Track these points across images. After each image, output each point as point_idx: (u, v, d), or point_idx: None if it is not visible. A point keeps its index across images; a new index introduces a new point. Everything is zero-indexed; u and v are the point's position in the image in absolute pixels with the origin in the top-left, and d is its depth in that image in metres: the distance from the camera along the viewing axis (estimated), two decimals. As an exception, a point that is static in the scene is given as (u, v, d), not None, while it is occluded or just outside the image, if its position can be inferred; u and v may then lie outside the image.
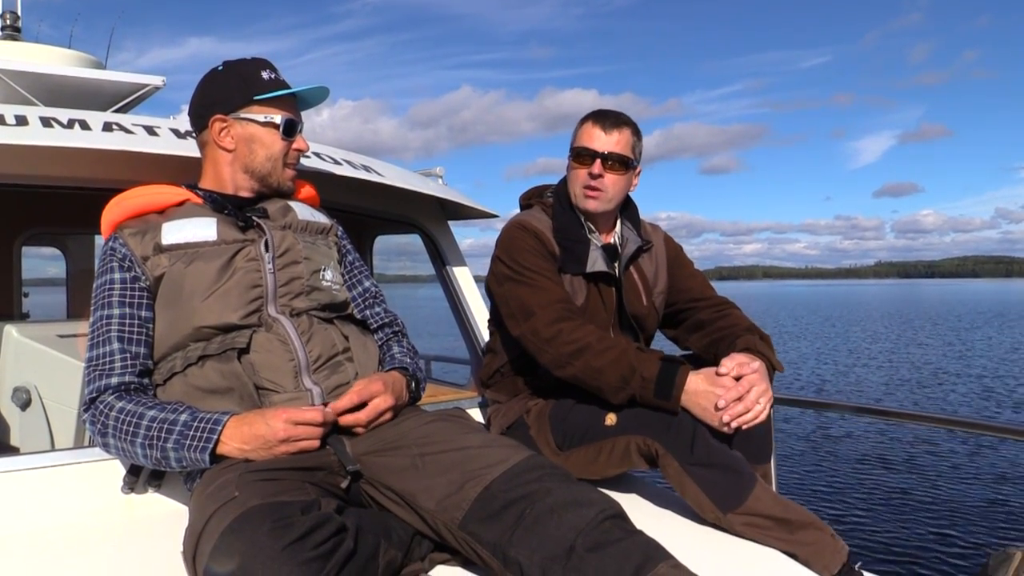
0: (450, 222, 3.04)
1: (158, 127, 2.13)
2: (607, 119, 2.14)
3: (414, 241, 3.00)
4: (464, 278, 2.91)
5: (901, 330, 32.28)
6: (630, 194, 2.28)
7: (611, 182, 2.12)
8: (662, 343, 2.35)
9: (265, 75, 1.83)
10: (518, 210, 2.36)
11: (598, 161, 2.11)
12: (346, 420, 1.64)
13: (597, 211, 2.15)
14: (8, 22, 3.74)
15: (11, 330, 2.37)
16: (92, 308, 1.71)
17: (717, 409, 1.79)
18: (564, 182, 2.24)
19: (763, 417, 1.83)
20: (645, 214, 2.35)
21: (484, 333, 2.52)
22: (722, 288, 2.35)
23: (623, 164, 2.12)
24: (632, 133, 2.15)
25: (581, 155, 2.14)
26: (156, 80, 3.45)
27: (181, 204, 1.80)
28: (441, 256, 2.91)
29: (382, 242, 3.71)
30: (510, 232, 2.15)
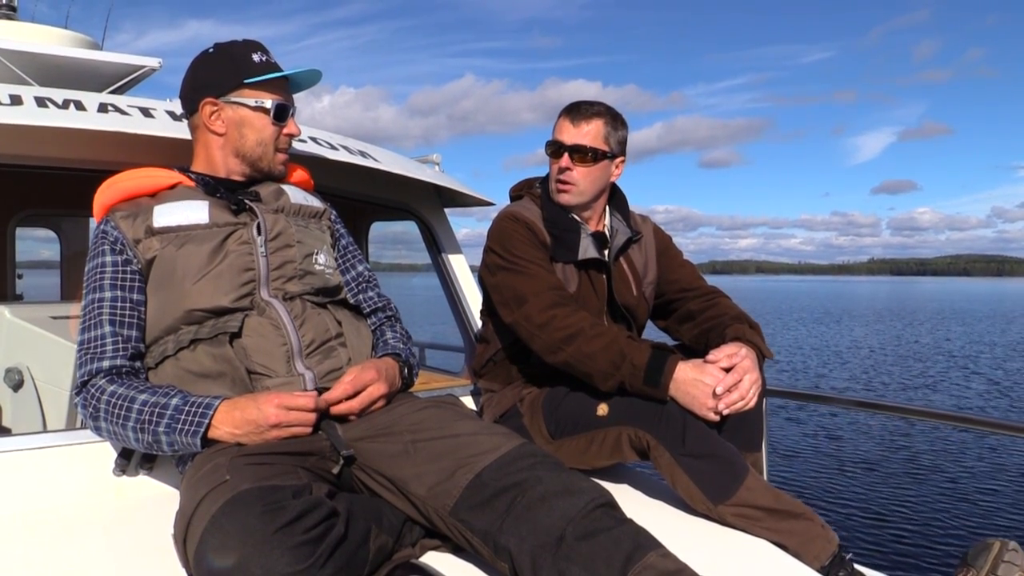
0: (447, 210, 3.04)
1: (154, 109, 2.12)
2: (577, 112, 2.14)
3: (410, 228, 3.00)
4: (460, 266, 2.91)
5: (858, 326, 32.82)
6: (618, 184, 2.28)
7: (581, 175, 2.12)
8: (656, 335, 2.36)
9: (256, 58, 1.82)
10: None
11: (566, 154, 2.11)
12: (339, 409, 1.64)
13: (570, 204, 2.16)
14: (4, 1, 3.70)
15: (4, 311, 2.36)
16: (84, 291, 1.70)
17: (715, 396, 1.80)
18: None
19: (753, 403, 1.85)
20: (643, 207, 2.36)
21: (478, 321, 2.53)
22: (713, 282, 2.36)
23: (593, 155, 2.12)
24: (605, 123, 2.14)
25: (551, 148, 2.15)
26: (152, 62, 3.43)
27: (173, 187, 1.79)
28: (437, 244, 2.91)
29: (378, 229, 3.70)
30: (501, 223, 2.16)
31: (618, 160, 2.21)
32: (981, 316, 42.42)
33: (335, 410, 1.64)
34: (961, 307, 54.12)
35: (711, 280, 2.36)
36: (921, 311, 47.98)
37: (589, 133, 2.12)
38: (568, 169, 2.11)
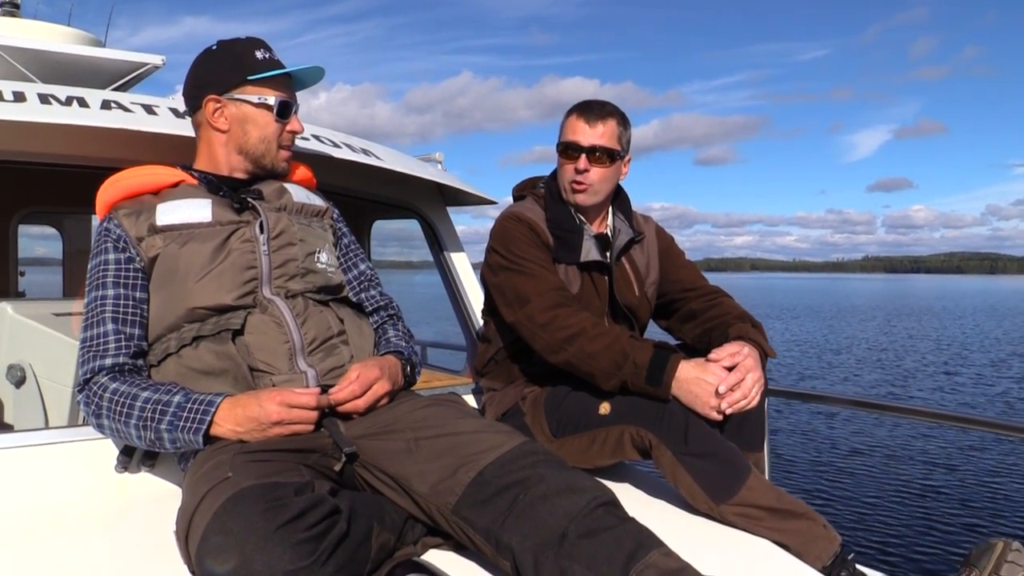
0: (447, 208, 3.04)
1: (157, 106, 2.12)
2: (591, 111, 2.13)
3: (411, 227, 3.00)
4: (462, 264, 2.91)
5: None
6: (622, 184, 2.28)
7: (598, 175, 2.12)
8: (658, 335, 2.36)
9: (259, 55, 1.82)
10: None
11: (583, 155, 2.10)
12: (345, 408, 1.64)
13: (586, 204, 2.15)
14: (7, -1, 3.71)
15: (7, 308, 2.36)
16: (87, 289, 1.70)
17: (718, 395, 1.80)
18: (555, 174, 2.24)
19: (755, 402, 1.85)
20: (638, 205, 2.36)
21: (480, 320, 2.53)
22: (709, 279, 2.36)
23: (609, 156, 2.12)
24: (618, 123, 2.14)
25: (567, 150, 2.14)
26: (155, 59, 3.43)
27: (176, 185, 1.79)
28: (439, 242, 2.91)
29: (380, 227, 3.70)
30: (504, 223, 2.15)
31: (626, 159, 2.21)
32: (940, 312, 43.47)
33: (341, 408, 1.64)
34: (929, 304, 54.91)
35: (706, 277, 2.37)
36: (883, 308, 48.87)
37: (605, 134, 2.11)
38: (586, 170, 2.11)
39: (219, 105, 1.80)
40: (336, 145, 2.42)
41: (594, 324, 1.96)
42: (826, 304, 53.66)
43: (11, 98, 1.90)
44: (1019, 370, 16.64)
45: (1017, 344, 22.96)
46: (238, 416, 1.51)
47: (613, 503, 1.38)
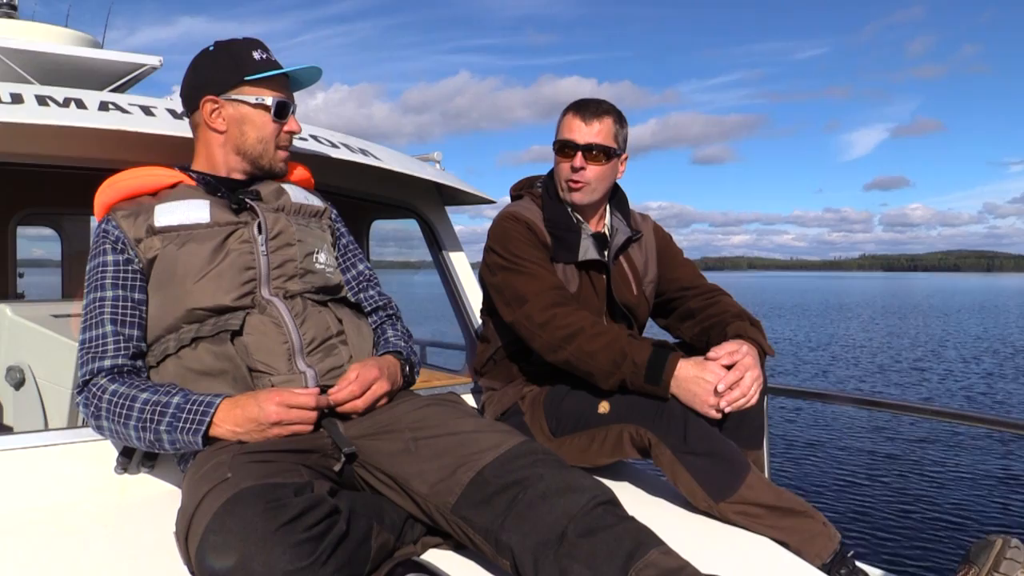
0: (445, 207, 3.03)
1: (154, 107, 2.12)
2: (587, 110, 2.12)
3: (410, 226, 3.00)
4: (460, 264, 2.91)
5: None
6: (619, 182, 2.28)
7: (594, 174, 2.12)
8: (657, 333, 2.36)
9: (257, 55, 1.82)
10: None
11: (579, 154, 2.10)
12: (344, 408, 1.64)
13: (582, 203, 2.15)
14: (5, 0, 3.71)
15: (5, 309, 2.36)
16: (85, 290, 1.70)
17: (717, 393, 1.80)
18: (552, 173, 2.24)
19: (754, 401, 1.85)
20: (635, 204, 2.36)
21: (479, 319, 2.53)
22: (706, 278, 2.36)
23: (605, 154, 2.11)
24: (614, 121, 2.14)
25: (563, 148, 2.14)
26: (153, 60, 3.43)
27: (174, 186, 1.79)
28: (438, 241, 2.91)
29: (378, 227, 3.70)
30: (502, 223, 2.15)
31: (623, 157, 2.21)
32: (927, 310, 43.74)
33: (340, 408, 1.64)
34: (918, 302, 55.07)
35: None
36: (871, 306, 49.12)
37: (601, 131, 2.11)
38: (582, 168, 2.10)
39: (216, 106, 1.80)
40: (334, 145, 2.42)
41: (593, 323, 1.96)
42: (815, 302, 53.84)
43: (8, 100, 1.90)
44: (988, 366, 16.94)
45: (992, 340, 23.21)
46: (237, 417, 1.51)
47: (612, 502, 1.38)
